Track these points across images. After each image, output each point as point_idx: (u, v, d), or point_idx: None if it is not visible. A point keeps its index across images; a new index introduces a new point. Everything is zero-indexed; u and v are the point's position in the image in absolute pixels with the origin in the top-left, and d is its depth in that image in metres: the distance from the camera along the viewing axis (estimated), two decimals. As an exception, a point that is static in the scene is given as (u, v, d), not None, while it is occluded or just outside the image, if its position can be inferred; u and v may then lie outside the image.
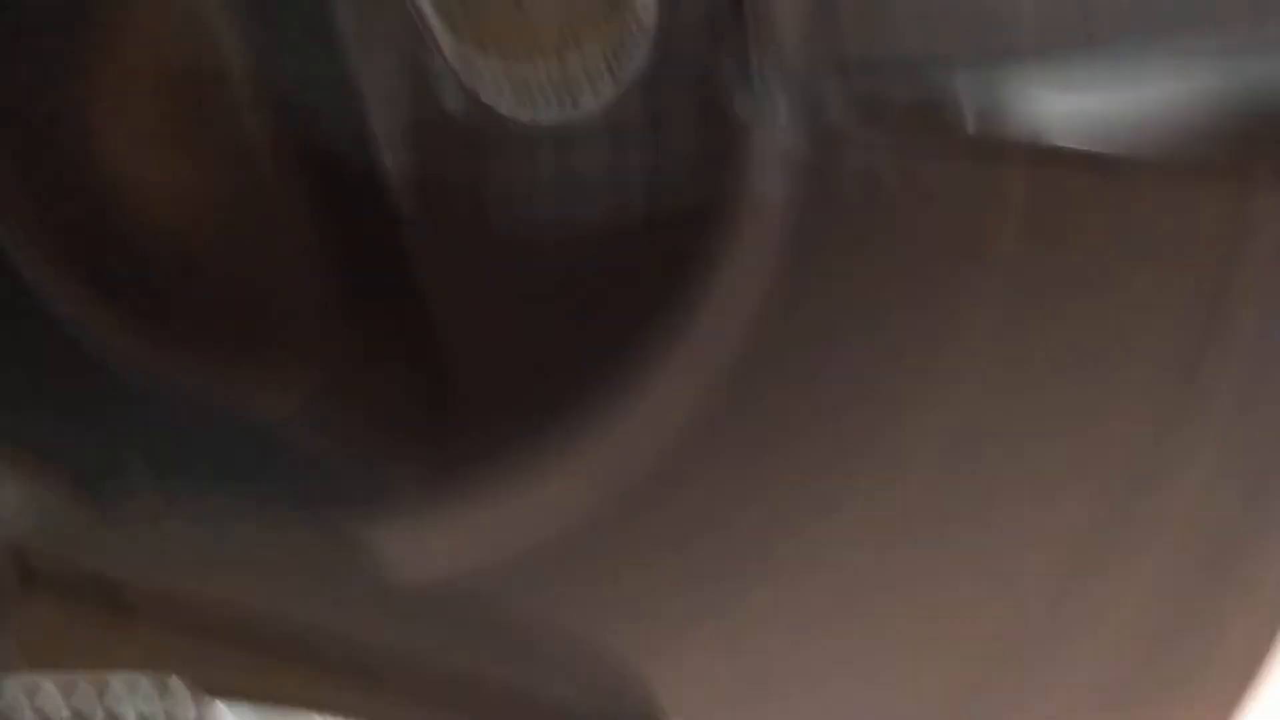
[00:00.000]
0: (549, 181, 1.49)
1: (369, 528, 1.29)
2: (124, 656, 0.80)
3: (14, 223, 1.24)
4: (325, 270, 1.43)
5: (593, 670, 1.04)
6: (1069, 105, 0.72)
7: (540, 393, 1.40)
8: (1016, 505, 0.93)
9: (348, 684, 0.87)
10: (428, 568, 1.27)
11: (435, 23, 1.21)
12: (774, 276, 1.41)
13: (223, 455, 1.31)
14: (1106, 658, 0.81)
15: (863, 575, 1.04)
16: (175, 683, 0.78)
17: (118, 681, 0.78)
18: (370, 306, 1.43)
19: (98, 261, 1.24)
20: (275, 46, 1.25)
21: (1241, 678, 0.71)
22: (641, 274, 1.52)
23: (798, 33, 1.07)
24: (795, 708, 0.95)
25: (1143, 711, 0.81)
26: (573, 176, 1.50)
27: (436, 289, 1.43)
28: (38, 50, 1.16)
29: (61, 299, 1.25)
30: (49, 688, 0.78)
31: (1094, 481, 0.85)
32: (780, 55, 1.15)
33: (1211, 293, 0.83)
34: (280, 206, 1.44)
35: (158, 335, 1.30)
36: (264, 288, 1.43)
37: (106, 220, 1.24)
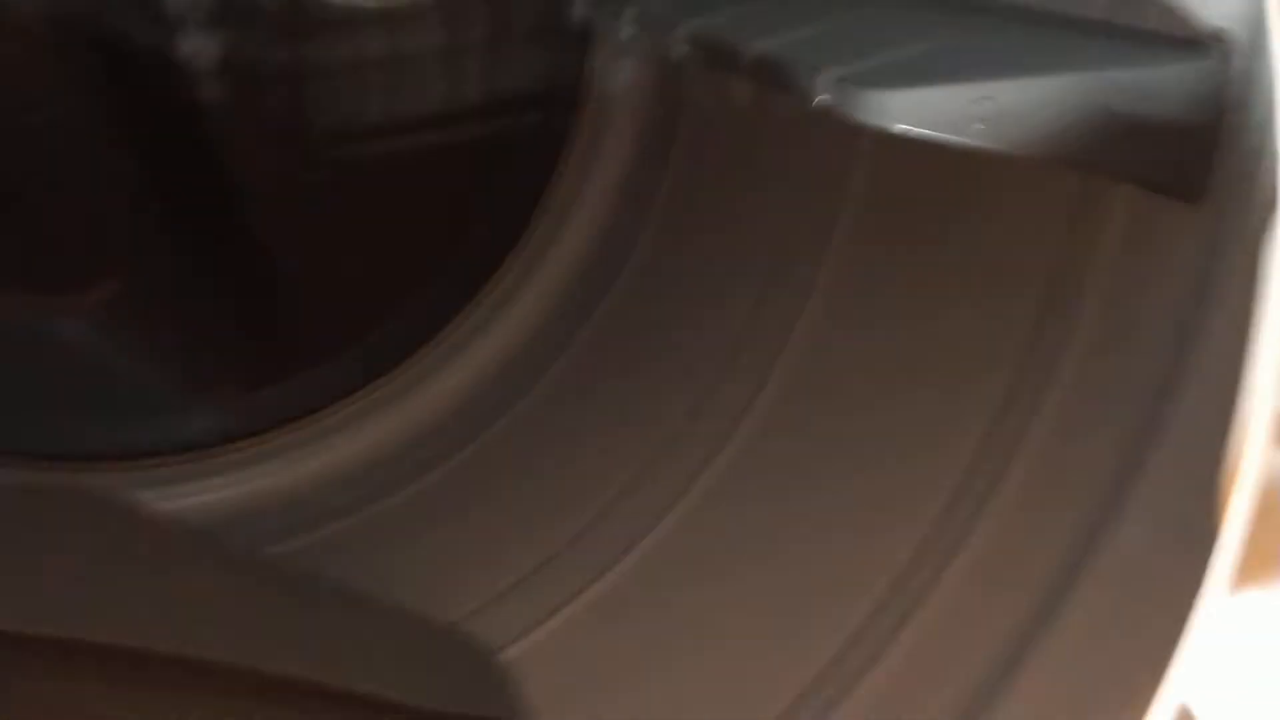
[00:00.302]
0: (375, 65, 1.37)
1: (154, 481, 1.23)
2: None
3: None
4: (120, 169, 1.30)
5: (430, 647, 1.03)
6: (916, 98, 0.66)
7: (367, 313, 1.34)
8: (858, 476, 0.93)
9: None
10: (241, 526, 1.23)
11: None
12: (618, 193, 1.35)
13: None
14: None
15: (708, 534, 1.05)
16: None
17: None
18: (173, 208, 1.31)
19: None
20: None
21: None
22: (478, 168, 1.43)
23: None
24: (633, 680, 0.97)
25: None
26: (402, 58, 1.38)
27: (249, 187, 1.31)
28: None
29: None
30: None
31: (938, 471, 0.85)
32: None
33: (1054, 282, 0.82)
34: (66, 95, 1.29)
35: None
36: (52, 186, 1.30)
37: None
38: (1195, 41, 0.72)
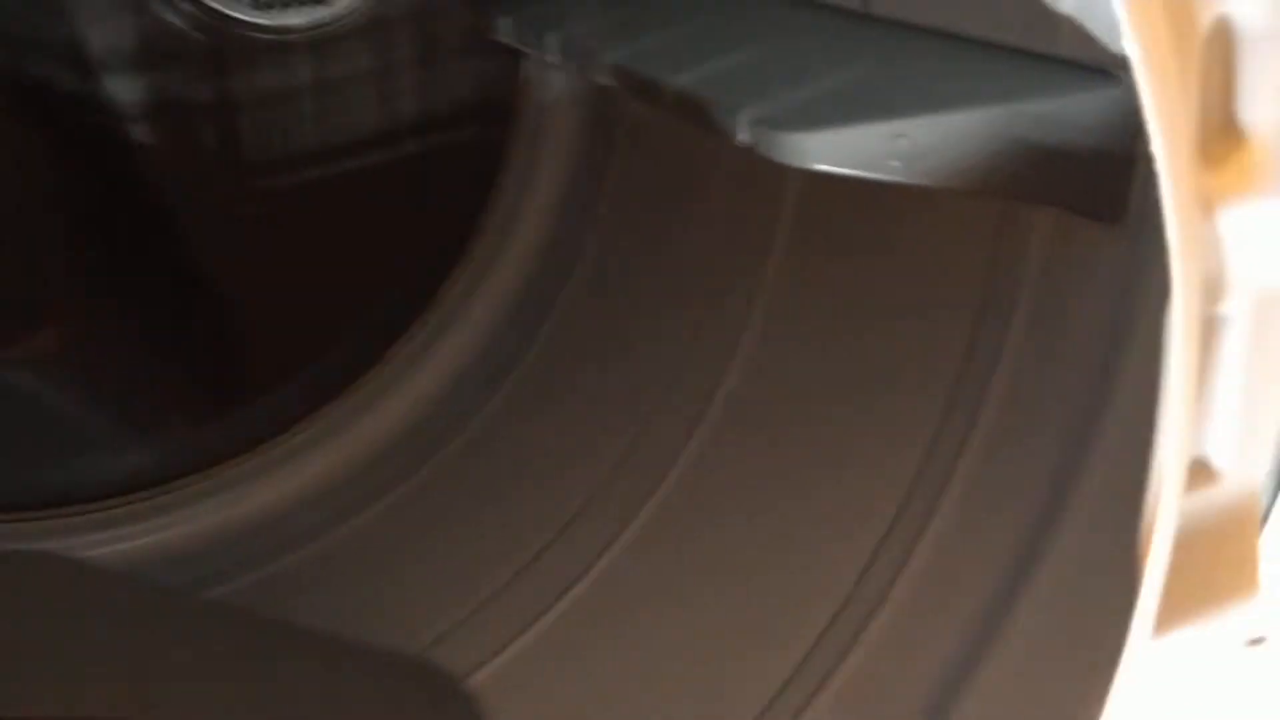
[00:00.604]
0: (306, 92, 1.35)
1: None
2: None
3: None
4: (53, 213, 1.28)
5: (395, 674, 1.03)
6: (833, 140, 0.67)
7: (308, 342, 1.32)
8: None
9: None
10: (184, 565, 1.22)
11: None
12: (559, 207, 1.34)
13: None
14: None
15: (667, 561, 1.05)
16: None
17: None
18: (108, 249, 1.29)
19: None
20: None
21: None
22: (417, 188, 1.42)
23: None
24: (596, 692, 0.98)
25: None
26: (332, 83, 1.36)
27: (184, 224, 1.30)
28: None
29: None
30: None
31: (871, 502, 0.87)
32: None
33: (979, 307, 0.83)
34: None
35: None
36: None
37: None
38: (1106, 69, 0.73)
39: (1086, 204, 0.76)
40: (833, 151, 0.73)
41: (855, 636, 0.85)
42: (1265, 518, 0.70)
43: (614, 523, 1.08)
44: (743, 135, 0.77)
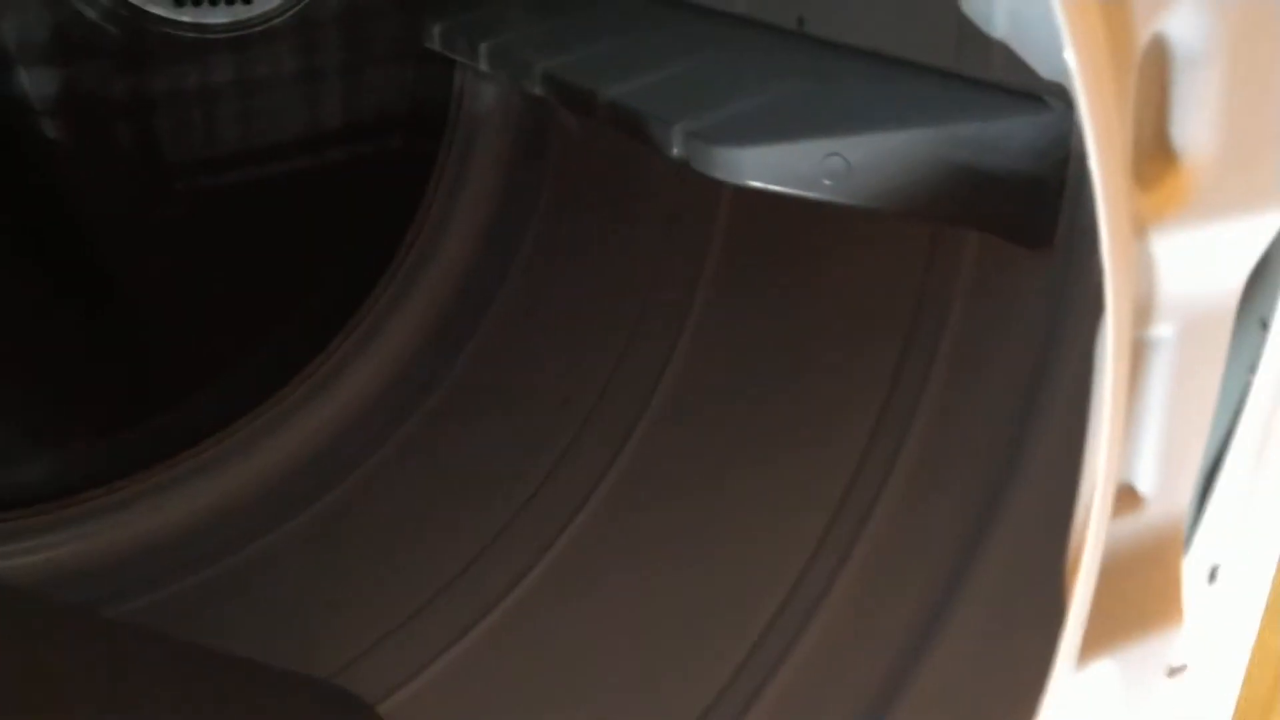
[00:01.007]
0: (227, 92, 1.31)
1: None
2: None
3: None
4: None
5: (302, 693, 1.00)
6: (767, 156, 0.66)
7: (223, 353, 1.27)
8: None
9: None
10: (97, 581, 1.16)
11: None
12: (489, 218, 1.32)
13: None
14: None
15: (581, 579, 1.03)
16: None
17: None
18: (13, 249, 1.23)
19: None
20: None
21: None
22: (342, 196, 1.38)
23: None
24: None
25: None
26: (254, 84, 1.33)
27: (96, 226, 1.24)
28: None
29: None
30: None
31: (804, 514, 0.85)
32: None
33: (909, 326, 0.83)
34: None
35: None
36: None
37: None
38: (1037, 95, 0.73)
39: (1014, 229, 0.76)
40: (766, 168, 0.72)
41: (771, 672, 0.84)
42: (1187, 547, 0.71)
43: (533, 547, 1.06)
44: (677, 149, 0.76)
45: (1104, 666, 0.54)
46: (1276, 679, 0.93)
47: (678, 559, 0.97)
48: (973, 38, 0.74)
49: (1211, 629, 0.73)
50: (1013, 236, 0.76)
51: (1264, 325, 0.65)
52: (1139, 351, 0.51)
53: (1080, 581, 0.48)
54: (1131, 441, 0.53)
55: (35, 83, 1.22)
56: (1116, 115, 0.41)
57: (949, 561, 0.76)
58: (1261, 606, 0.84)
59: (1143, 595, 0.54)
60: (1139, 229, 0.45)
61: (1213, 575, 0.69)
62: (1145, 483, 0.54)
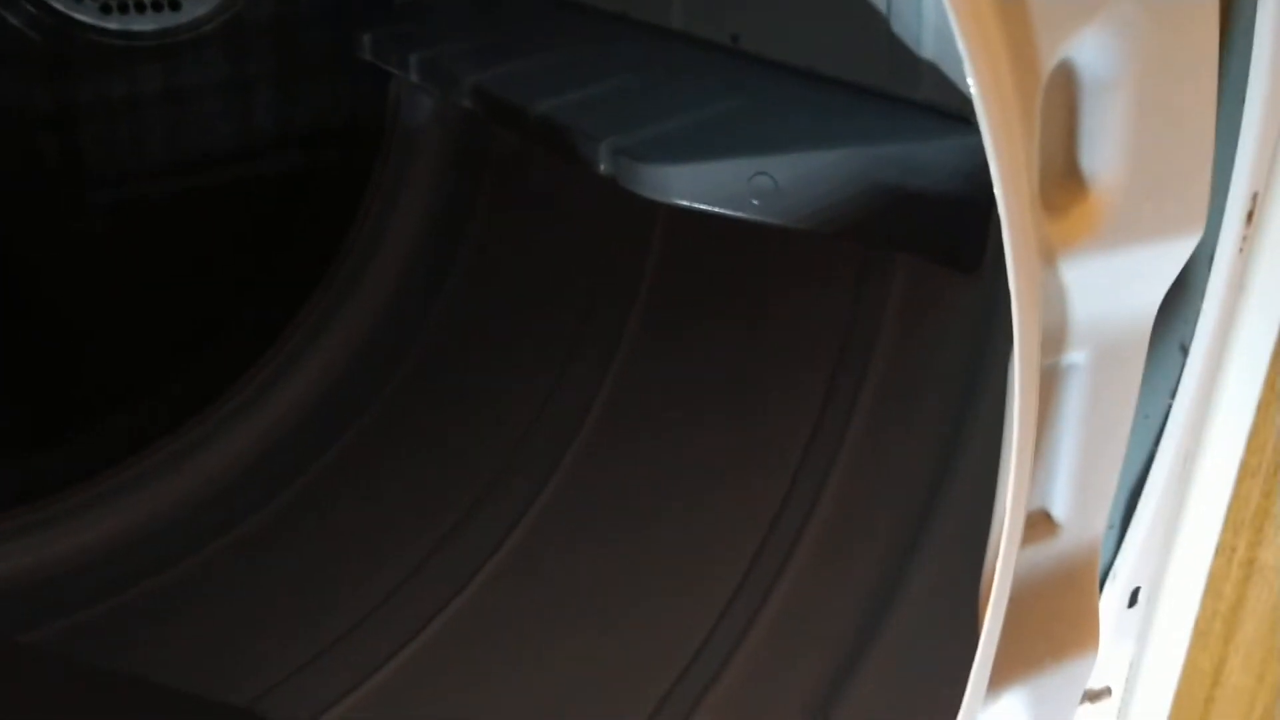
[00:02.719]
0: (154, 101, 1.29)
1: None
2: None
3: None
4: None
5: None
6: (694, 174, 0.65)
7: (146, 370, 1.24)
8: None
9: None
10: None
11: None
12: (425, 233, 1.30)
13: None
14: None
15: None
16: None
17: None
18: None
19: None
20: None
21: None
22: (274, 209, 1.36)
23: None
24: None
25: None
26: (183, 93, 1.30)
27: (16, 239, 1.21)
28: None
29: None
30: None
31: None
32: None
33: (839, 349, 0.82)
34: None
35: None
36: None
37: None
38: (965, 117, 0.73)
39: (943, 251, 0.75)
40: (693, 186, 0.71)
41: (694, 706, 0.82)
42: (1107, 574, 0.71)
43: (459, 574, 1.04)
44: (604, 165, 0.75)
45: (1018, 696, 0.54)
46: (1207, 699, 0.93)
47: (606, 585, 0.96)
48: (903, 59, 0.74)
49: (1133, 651, 0.73)
50: (941, 260, 0.76)
51: (1184, 350, 0.65)
52: (1053, 378, 0.50)
53: (990, 609, 0.48)
54: (1046, 468, 0.52)
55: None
56: (1022, 141, 0.40)
57: (872, 595, 0.75)
58: (1188, 628, 0.84)
59: (1058, 622, 0.54)
60: (1048, 256, 0.44)
61: (1133, 599, 0.69)
62: (1060, 509, 0.53)
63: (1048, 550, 0.53)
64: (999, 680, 0.52)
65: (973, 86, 0.38)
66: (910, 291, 0.81)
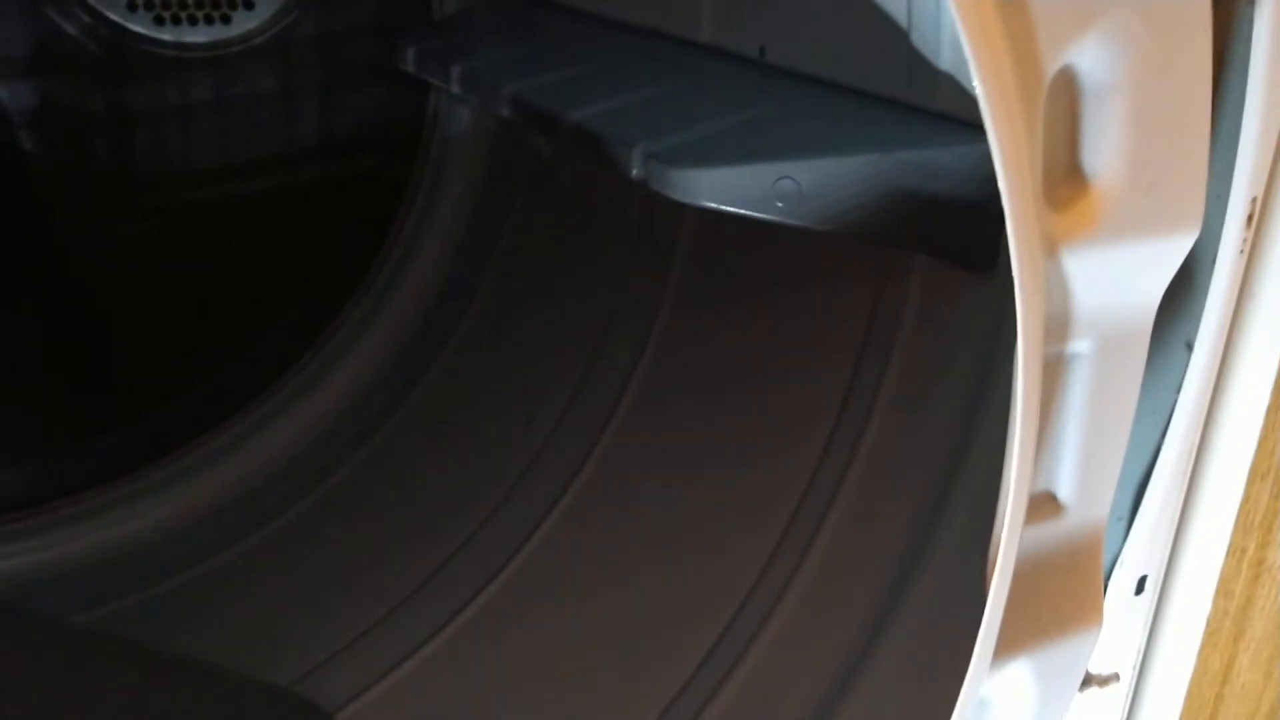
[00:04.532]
0: (203, 110, 1.34)
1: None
2: None
3: None
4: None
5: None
6: (721, 177, 0.69)
7: (193, 366, 1.29)
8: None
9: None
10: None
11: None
12: (459, 240, 1.34)
13: None
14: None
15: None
16: None
17: None
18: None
19: None
20: None
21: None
22: (315, 215, 1.41)
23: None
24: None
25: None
26: (231, 103, 1.35)
27: (68, 238, 1.26)
28: None
29: None
30: None
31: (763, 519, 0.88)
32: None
33: (858, 350, 0.86)
34: None
35: None
36: None
37: None
38: (980, 125, 0.76)
39: (959, 253, 0.79)
40: (720, 189, 0.75)
41: (724, 678, 0.86)
42: (1115, 562, 0.74)
43: (493, 561, 1.08)
44: (636, 170, 0.79)
45: (1024, 666, 0.57)
46: (1217, 697, 0.96)
47: (635, 571, 0.99)
48: (922, 70, 0.78)
49: (1140, 638, 0.76)
50: (956, 260, 0.80)
51: (1189, 346, 0.68)
52: (1058, 366, 0.54)
53: (995, 581, 0.51)
54: (1052, 451, 0.56)
55: (14, 96, 1.23)
56: (1026, 141, 0.44)
57: (893, 572, 0.79)
58: (1200, 628, 0.87)
59: (1063, 598, 0.57)
60: (1051, 247, 0.48)
61: (1140, 586, 0.72)
62: (1065, 491, 0.57)
63: (1053, 529, 0.56)
64: (1005, 649, 0.55)
65: (979, 90, 0.42)
66: (927, 290, 0.84)
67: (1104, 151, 0.47)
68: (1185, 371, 0.68)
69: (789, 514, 0.90)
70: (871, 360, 0.88)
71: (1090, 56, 0.45)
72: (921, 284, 0.85)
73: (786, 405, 0.93)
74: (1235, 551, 0.87)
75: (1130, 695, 0.79)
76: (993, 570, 0.53)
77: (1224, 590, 0.89)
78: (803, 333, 0.93)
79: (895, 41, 0.82)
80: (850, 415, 0.89)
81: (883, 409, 0.87)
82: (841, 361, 0.89)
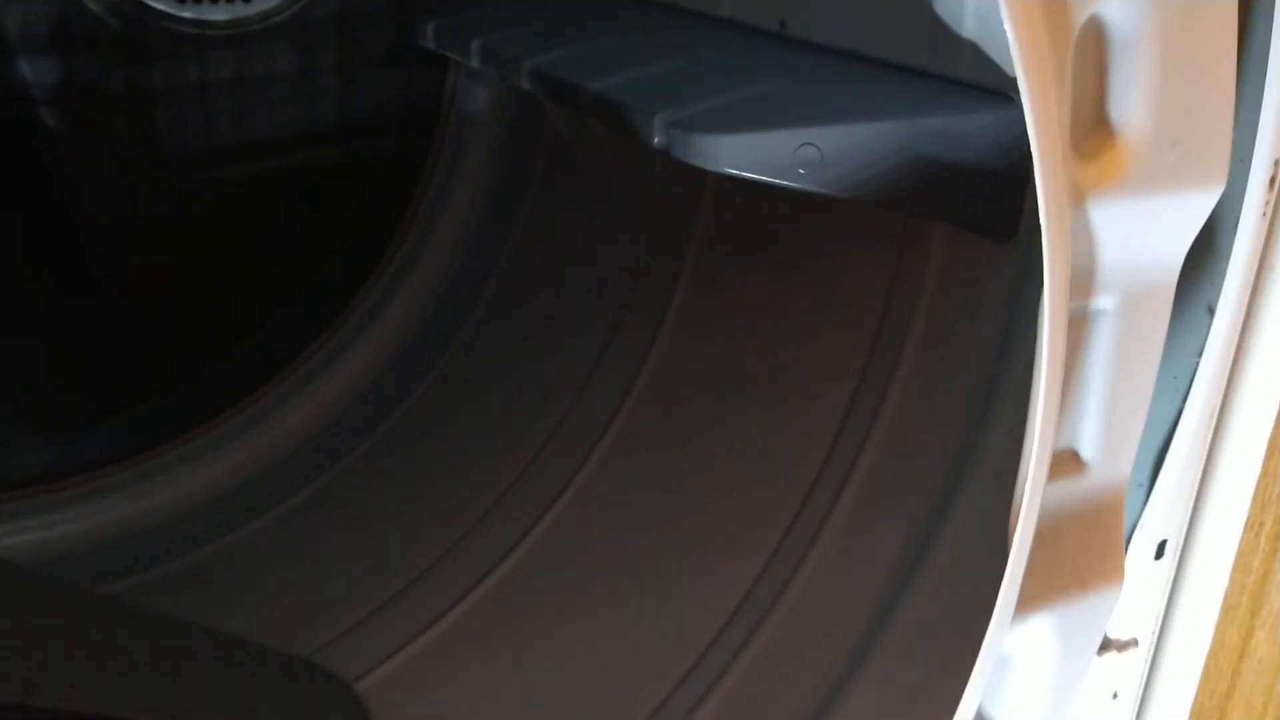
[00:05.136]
0: (222, 88, 1.34)
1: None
2: None
3: None
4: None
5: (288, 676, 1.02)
6: (742, 143, 0.69)
7: (215, 343, 1.30)
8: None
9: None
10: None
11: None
12: (478, 216, 1.35)
13: None
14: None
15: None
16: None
17: None
18: (4, 237, 1.26)
19: None
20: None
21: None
22: (335, 193, 1.42)
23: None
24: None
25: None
26: (251, 81, 1.35)
27: (90, 215, 1.28)
28: None
29: None
30: None
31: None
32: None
33: (879, 317, 0.86)
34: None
35: None
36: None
37: None
38: (1004, 92, 0.77)
39: (979, 221, 0.79)
40: (742, 155, 0.75)
41: (748, 638, 0.86)
42: (1135, 527, 0.74)
43: (512, 532, 1.09)
44: (658, 137, 0.79)
45: (1046, 620, 0.57)
46: (1234, 672, 0.96)
47: (656, 537, 1.00)
48: (944, 39, 0.78)
49: (1159, 605, 0.76)
50: (977, 228, 0.80)
51: (1210, 311, 0.68)
52: (1082, 322, 0.54)
53: (1018, 534, 0.51)
54: (1074, 409, 0.56)
55: (36, 73, 1.24)
56: (1055, 88, 0.44)
57: (920, 522, 0.79)
58: (1217, 595, 0.87)
59: (1084, 554, 0.57)
60: (1078, 197, 0.48)
61: (1159, 551, 0.72)
62: (1088, 449, 0.57)
63: (1075, 487, 0.57)
64: (1027, 603, 0.55)
65: (1009, 33, 0.42)
66: (948, 258, 0.84)
67: (1131, 103, 0.48)
68: (1207, 336, 0.68)
69: (805, 490, 0.91)
70: (890, 330, 0.88)
71: (1118, 6, 0.45)
72: (941, 251, 0.85)
73: (809, 365, 0.94)
74: (1253, 525, 0.87)
75: (1149, 662, 0.80)
76: (1015, 525, 0.54)
77: (1241, 565, 0.89)
78: (824, 297, 0.94)
79: (917, 10, 0.82)
80: (873, 374, 0.89)
81: (905, 366, 0.88)
82: (860, 333, 0.89)
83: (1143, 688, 0.82)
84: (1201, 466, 0.74)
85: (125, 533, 1.20)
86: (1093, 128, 0.49)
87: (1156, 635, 0.79)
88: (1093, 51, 0.47)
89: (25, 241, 1.28)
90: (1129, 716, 0.80)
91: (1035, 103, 0.43)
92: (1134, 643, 0.75)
